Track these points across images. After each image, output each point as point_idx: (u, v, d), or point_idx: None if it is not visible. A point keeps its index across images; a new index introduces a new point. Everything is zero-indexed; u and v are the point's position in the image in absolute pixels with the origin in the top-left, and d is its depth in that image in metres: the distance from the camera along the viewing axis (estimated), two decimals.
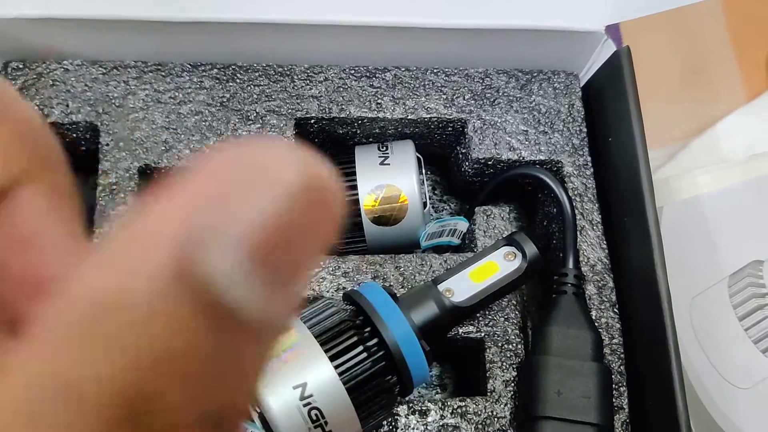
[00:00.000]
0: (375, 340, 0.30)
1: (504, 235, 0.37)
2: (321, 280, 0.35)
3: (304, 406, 0.28)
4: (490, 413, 0.34)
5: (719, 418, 0.38)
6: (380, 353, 0.30)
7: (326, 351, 0.29)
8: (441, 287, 0.33)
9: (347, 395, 0.29)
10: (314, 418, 0.28)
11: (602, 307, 0.36)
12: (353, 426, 0.30)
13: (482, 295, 0.33)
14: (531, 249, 0.33)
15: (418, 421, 0.33)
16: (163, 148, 0.37)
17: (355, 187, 0.37)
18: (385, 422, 0.33)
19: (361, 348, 0.30)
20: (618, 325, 0.36)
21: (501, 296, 0.34)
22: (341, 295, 0.34)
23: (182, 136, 0.37)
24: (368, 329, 0.30)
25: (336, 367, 0.29)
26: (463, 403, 0.34)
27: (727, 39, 0.53)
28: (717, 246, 0.41)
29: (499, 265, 0.34)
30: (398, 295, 0.32)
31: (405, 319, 0.31)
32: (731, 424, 0.38)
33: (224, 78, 0.39)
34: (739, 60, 0.52)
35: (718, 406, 0.38)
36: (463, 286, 0.33)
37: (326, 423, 0.29)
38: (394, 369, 0.30)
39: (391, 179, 0.37)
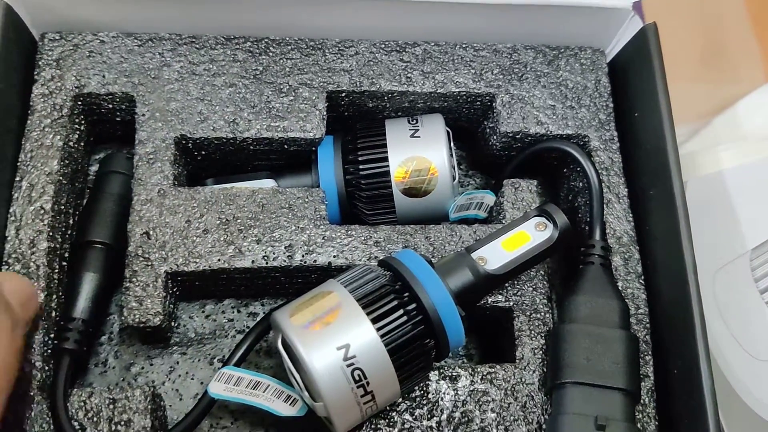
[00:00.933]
0: (414, 305, 0.31)
1: (532, 208, 0.38)
2: (353, 249, 0.36)
3: (348, 366, 0.29)
4: (519, 379, 0.35)
5: (739, 388, 0.39)
6: (419, 317, 0.31)
7: (368, 314, 0.30)
8: (474, 255, 0.34)
9: (388, 357, 0.29)
10: (357, 378, 0.29)
11: (628, 278, 0.37)
12: (393, 387, 0.30)
13: (515, 263, 0.33)
14: (562, 219, 0.34)
15: (448, 387, 0.34)
16: (198, 119, 0.37)
17: (385, 159, 0.38)
18: (417, 387, 0.34)
19: (401, 311, 0.30)
20: (644, 296, 0.37)
21: (532, 265, 0.35)
22: (376, 263, 0.35)
23: (217, 107, 0.38)
24: (407, 294, 0.31)
25: (378, 330, 0.30)
26: (493, 370, 0.35)
27: (747, 20, 0.53)
28: (739, 220, 0.42)
29: (530, 235, 0.34)
30: (434, 262, 0.33)
31: (443, 284, 0.31)
32: (751, 394, 0.38)
33: (257, 51, 0.39)
34: (759, 40, 0.53)
35: (739, 377, 0.39)
36: (496, 254, 0.34)
37: (368, 383, 0.29)
38: (432, 333, 0.31)
39: (422, 151, 0.38)
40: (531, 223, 0.35)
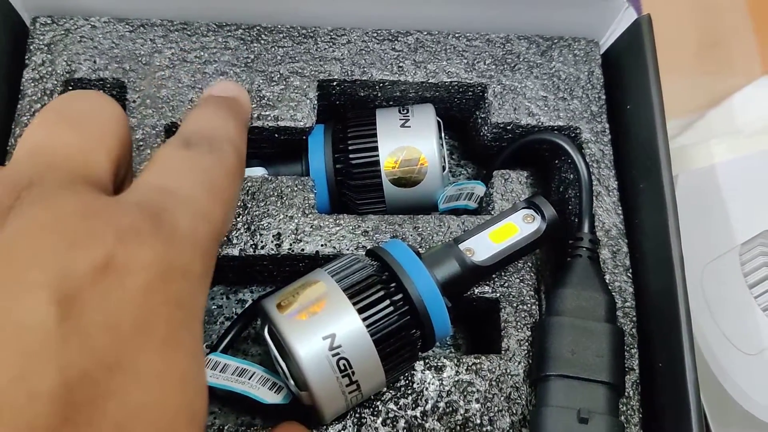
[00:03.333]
0: (400, 296, 0.31)
1: (522, 198, 0.38)
2: (341, 238, 0.36)
3: (333, 355, 0.29)
4: (504, 371, 0.35)
5: (726, 382, 0.39)
6: (405, 308, 0.31)
7: (354, 304, 0.30)
8: (462, 246, 0.34)
9: (374, 347, 0.30)
10: (342, 367, 0.29)
11: (616, 271, 0.37)
12: (378, 376, 0.30)
13: (502, 255, 0.34)
14: (550, 211, 0.34)
15: (433, 377, 0.34)
16: (189, 106, 0.37)
17: (375, 149, 0.38)
18: (402, 377, 0.34)
19: (387, 302, 0.30)
20: (631, 289, 0.37)
21: (520, 257, 0.35)
22: (364, 252, 0.35)
23: None
24: (394, 284, 0.31)
25: (364, 320, 0.30)
26: (478, 360, 0.35)
27: (745, 11, 0.53)
28: (730, 215, 0.41)
29: (518, 227, 0.34)
30: (421, 253, 0.33)
31: (429, 275, 0.31)
32: (738, 388, 0.39)
33: (249, 39, 0.39)
34: (757, 32, 0.52)
35: (726, 371, 0.39)
36: (484, 246, 0.34)
37: (353, 373, 0.29)
38: (418, 323, 0.31)
39: (412, 141, 0.38)
40: (519, 215, 0.35)
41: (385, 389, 0.34)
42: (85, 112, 0.25)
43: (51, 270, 0.18)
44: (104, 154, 0.24)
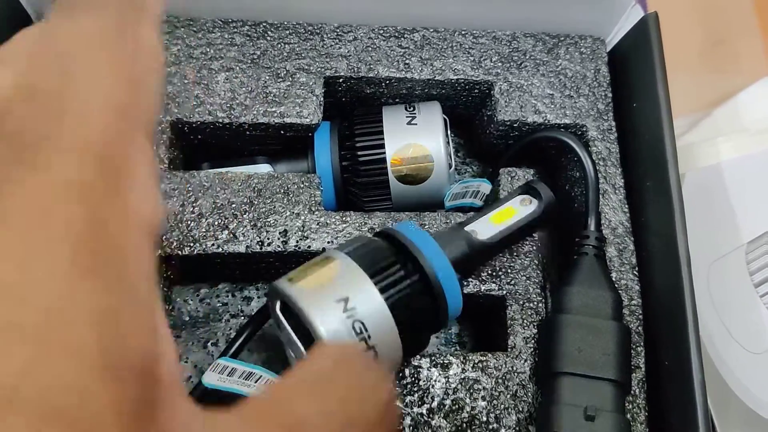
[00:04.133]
0: (414, 268, 0.31)
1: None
2: (348, 235, 0.36)
3: (348, 317, 0.29)
4: (510, 368, 0.35)
5: (731, 380, 0.39)
6: (421, 283, 0.31)
7: (370, 275, 0.30)
8: (467, 229, 0.34)
9: (389, 312, 0.30)
10: (358, 330, 0.29)
11: (622, 269, 0.37)
12: (395, 344, 0.30)
13: (504, 233, 0.35)
14: (546, 192, 0.35)
15: (440, 374, 0.34)
16: (194, 103, 0.37)
17: (382, 146, 0.38)
18: (408, 374, 0.34)
19: (402, 273, 0.31)
20: (637, 287, 0.37)
21: (522, 237, 0.36)
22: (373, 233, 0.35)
23: (213, 92, 0.38)
24: (408, 261, 0.32)
25: (375, 284, 0.30)
26: (484, 358, 0.35)
27: (751, 9, 0.53)
28: (736, 213, 0.41)
29: (516, 209, 0.35)
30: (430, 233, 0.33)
31: (442, 252, 0.32)
32: (742, 386, 0.39)
33: (255, 35, 0.39)
34: (763, 30, 0.52)
35: (731, 369, 0.39)
36: (486, 228, 0.35)
37: (369, 336, 0.29)
38: (433, 299, 0.31)
39: (418, 139, 0.38)
40: (517, 199, 0.36)
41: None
42: None
43: None
44: None
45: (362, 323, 0.29)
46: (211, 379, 0.33)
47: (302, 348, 0.31)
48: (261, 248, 0.35)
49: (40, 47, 0.17)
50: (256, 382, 0.33)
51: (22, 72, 0.16)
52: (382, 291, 0.30)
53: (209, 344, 0.38)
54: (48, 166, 0.15)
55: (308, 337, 0.29)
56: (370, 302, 0.29)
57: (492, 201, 0.39)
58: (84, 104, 0.16)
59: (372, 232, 0.36)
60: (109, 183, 0.15)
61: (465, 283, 0.36)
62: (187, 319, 0.39)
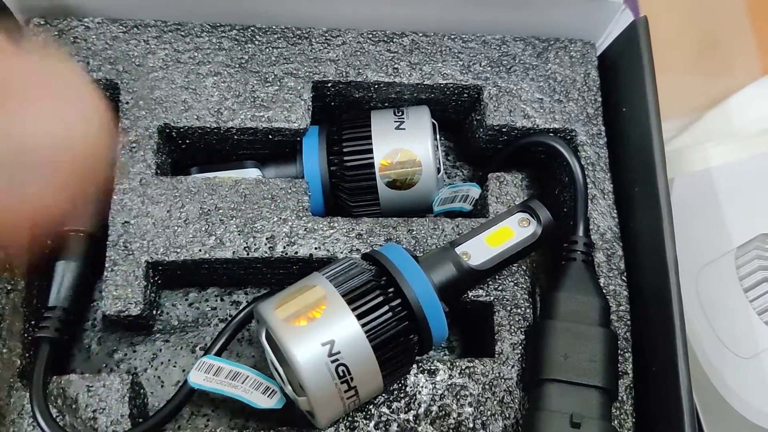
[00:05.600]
0: (399, 300, 0.31)
1: (517, 202, 0.38)
2: (335, 241, 0.36)
3: (332, 362, 0.29)
4: (497, 374, 0.35)
5: (720, 385, 0.39)
6: (403, 313, 0.31)
7: (353, 309, 0.30)
8: (458, 250, 0.34)
9: (373, 353, 0.30)
10: (341, 374, 0.29)
11: (610, 274, 0.37)
12: (376, 382, 0.30)
13: (498, 259, 0.34)
14: (545, 215, 0.34)
15: (427, 380, 0.34)
16: (182, 107, 0.37)
17: (370, 151, 0.38)
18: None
19: (386, 308, 0.30)
20: (625, 293, 0.37)
21: (515, 261, 0.35)
22: (358, 255, 0.35)
23: (201, 96, 0.37)
24: (392, 289, 0.31)
25: (363, 326, 0.30)
26: (471, 364, 0.35)
27: (744, 12, 0.53)
28: (726, 218, 0.41)
29: (514, 231, 0.34)
30: (418, 256, 0.33)
31: (427, 280, 0.31)
32: (732, 391, 0.39)
33: (243, 39, 0.39)
34: (756, 33, 0.52)
35: (720, 374, 0.39)
36: (480, 249, 0.34)
37: (352, 379, 0.29)
38: (416, 328, 0.31)
39: (407, 144, 0.38)
40: (515, 219, 0.35)
41: None
42: None
43: None
44: None
45: (346, 367, 0.29)
46: (197, 378, 0.33)
47: (285, 378, 0.31)
48: (248, 254, 0.35)
49: None
50: (243, 382, 0.33)
51: None
52: (367, 332, 0.30)
53: (198, 348, 0.38)
54: None
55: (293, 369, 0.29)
56: (355, 345, 0.29)
57: (482, 207, 0.39)
58: None
59: (359, 239, 0.36)
60: None
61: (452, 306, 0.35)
62: (176, 323, 0.39)
